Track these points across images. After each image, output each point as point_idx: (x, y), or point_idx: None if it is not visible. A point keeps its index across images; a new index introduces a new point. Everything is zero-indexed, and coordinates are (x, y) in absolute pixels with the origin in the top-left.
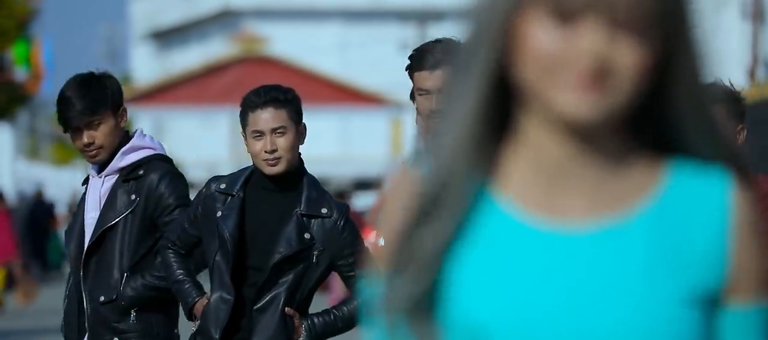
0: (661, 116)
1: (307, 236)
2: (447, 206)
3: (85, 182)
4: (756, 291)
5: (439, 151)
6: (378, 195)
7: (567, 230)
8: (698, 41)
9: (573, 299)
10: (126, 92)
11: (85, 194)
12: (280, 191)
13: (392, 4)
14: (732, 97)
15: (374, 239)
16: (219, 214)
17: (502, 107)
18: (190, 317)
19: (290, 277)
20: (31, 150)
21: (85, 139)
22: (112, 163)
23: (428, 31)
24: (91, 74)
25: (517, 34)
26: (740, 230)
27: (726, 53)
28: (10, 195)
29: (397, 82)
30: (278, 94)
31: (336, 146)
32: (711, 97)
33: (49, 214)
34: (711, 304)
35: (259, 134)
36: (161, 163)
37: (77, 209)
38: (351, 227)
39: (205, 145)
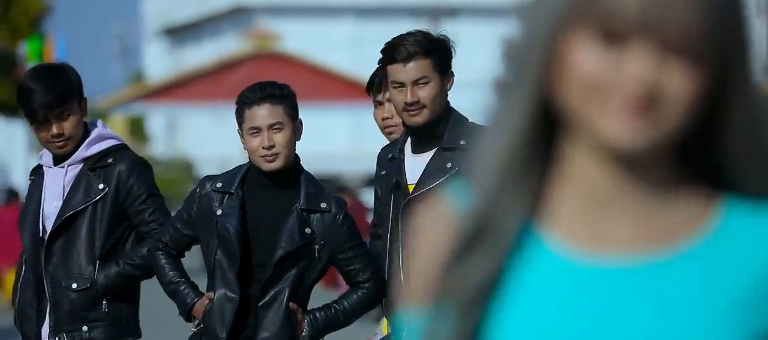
0: (714, 147)
1: (308, 230)
2: (491, 240)
3: (35, 173)
4: None
5: (482, 182)
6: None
7: (613, 263)
8: (755, 71)
9: (625, 337)
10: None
11: (36, 185)
12: (278, 187)
13: (405, 0)
14: None
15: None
16: (219, 212)
17: (546, 136)
18: (189, 317)
19: (293, 272)
20: None
21: (55, 130)
22: (77, 152)
23: (441, 27)
24: (53, 65)
25: (562, 58)
26: None
27: None
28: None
29: None
30: (274, 90)
31: (348, 143)
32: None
33: None
34: None
35: (256, 131)
36: (129, 153)
37: (28, 200)
38: (349, 221)
39: (218, 141)
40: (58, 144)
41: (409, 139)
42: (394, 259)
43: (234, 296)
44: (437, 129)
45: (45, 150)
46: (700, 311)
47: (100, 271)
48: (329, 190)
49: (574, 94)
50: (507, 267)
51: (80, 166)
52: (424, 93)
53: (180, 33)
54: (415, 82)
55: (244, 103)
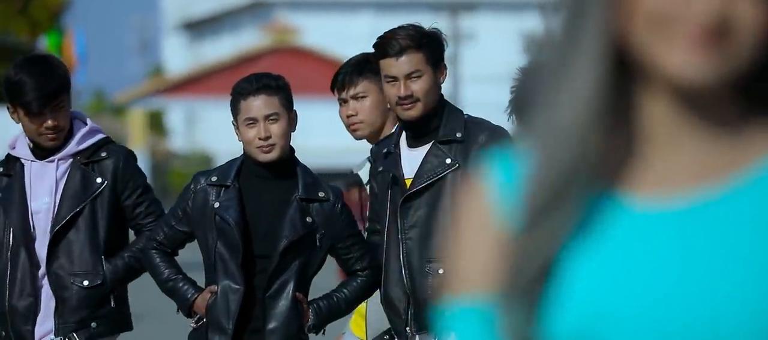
0: None
1: (308, 219)
2: (562, 210)
3: (5, 166)
4: None
5: (550, 147)
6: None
7: (670, 205)
8: None
9: (687, 280)
10: (158, 83)
11: (14, 179)
12: (275, 178)
13: None
14: None
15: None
16: (217, 205)
17: (621, 84)
18: (189, 313)
19: (297, 262)
20: None
21: (50, 123)
22: (68, 146)
23: (460, 21)
24: (42, 56)
25: None
26: None
27: None
28: None
29: None
30: (270, 81)
31: None
32: None
33: None
34: None
35: (252, 121)
36: (118, 146)
37: (6, 195)
38: (347, 210)
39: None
40: (50, 136)
41: (403, 134)
42: (392, 254)
43: (238, 287)
44: (432, 122)
45: (18, 141)
46: (751, 250)
47: (108, 266)
48: (348, 183)
49: (640, 27)
50: (580, 231)
51: (69, 160)
52: (417, 86)
53: (199, 27)
54: (408, 76)
55: (239, 94)
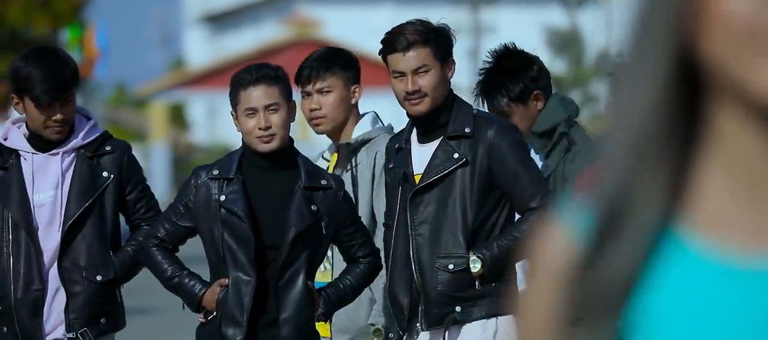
0: None
1: (313, 207)
2: (627, 236)
3: (3, 158)
4: None
5: (613, 165)
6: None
7: (747, 261)
8: None
9: None
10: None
11: (11, 171)
12: (277, 169)
13: None
14: None
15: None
16: (222, 198)
17: (688, 104)
18: (198, 309)
19: (307, 250)
20: None
21: (59, 116)
22: (74, 139)
23: (481, 14)
24: (54, 49)
25: None
26: None
27: None
28: None
29: None
30: (270, 72)
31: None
32: None
33: None
34: None
35: (252, 112)
36: (118, 140)
37: (2, 188)
38: (349, 197)
39: None
40: (57, 129)
41: (414, 129)
42: (400, 249)
43: (249, 278)
44: (441, 117)
45: (11, 133)
46: None
47: (116, 259)
48: None
49: (723, 42)
50: (644, 271)
51: (73, 153)
52: (425, 81)
53: (220, 20)
54: (415, 71)
55: (239, 84)
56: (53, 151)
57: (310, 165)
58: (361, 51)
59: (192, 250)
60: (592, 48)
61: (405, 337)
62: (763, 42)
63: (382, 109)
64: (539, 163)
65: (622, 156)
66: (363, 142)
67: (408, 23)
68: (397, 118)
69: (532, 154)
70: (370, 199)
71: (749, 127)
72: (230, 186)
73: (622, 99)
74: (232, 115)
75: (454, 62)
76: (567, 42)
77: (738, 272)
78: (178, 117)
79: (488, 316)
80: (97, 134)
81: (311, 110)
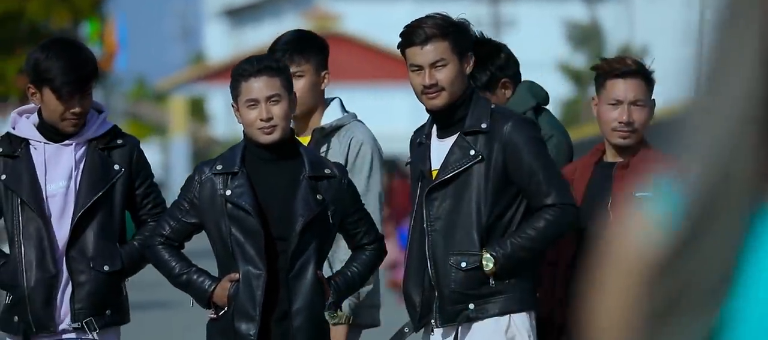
0: None
1: (319, 197)
2: (725, 219)
3: (12, 147)
4: None
5: (709, 149)
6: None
7: None
8: None
9: None
10: (199, 70)
11: (20, 160)
12: (280, 160)
13: None
14: None
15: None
16: (228, 193)
17: None
18: (209, 304)
19: (315, 240)
20: None
21: (78, 108)
22: (87, 131)
23: (501, 8)
24: (73, 41)
25: None
26: None
27: None
28: None
29: None
30: (271, 63)
31: (409, 123)
32: None
33: None
34: None
35: (254, 103)
36: (130, 134)
37: (11, 176)
38: (352, 185)
39: None
40: (74, 121)
41: (434, 124)
42: (415, 245)
43: (260, 271)
44: (458, 112)
45: (20, 122)
46: None
47: (123, 251)
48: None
49: None
50: (740, 256)
51: (85, 145)
52: (442, 75)
53: (240, 14)
54: (433, 65)
55: (240, 76)
56: (66, 142)
57: (313, 154)
58: (381, 45)
59: (197, 245)
60: (612, 42)
61: (422, 334)
62: None
63: (401, 102)
64: None
65: (720, 140)
66: (336, 127)
67: (427, 17)
68: (417, 113)
69: None
70: None
71: None
72: (235, 180)
73: (717, 85)
74: (232, 107)
75: (472, 57)
76: (587, 36)
77: None
78: (198, 111)
79: (501, 313)
80: (108, 127)
81: None
